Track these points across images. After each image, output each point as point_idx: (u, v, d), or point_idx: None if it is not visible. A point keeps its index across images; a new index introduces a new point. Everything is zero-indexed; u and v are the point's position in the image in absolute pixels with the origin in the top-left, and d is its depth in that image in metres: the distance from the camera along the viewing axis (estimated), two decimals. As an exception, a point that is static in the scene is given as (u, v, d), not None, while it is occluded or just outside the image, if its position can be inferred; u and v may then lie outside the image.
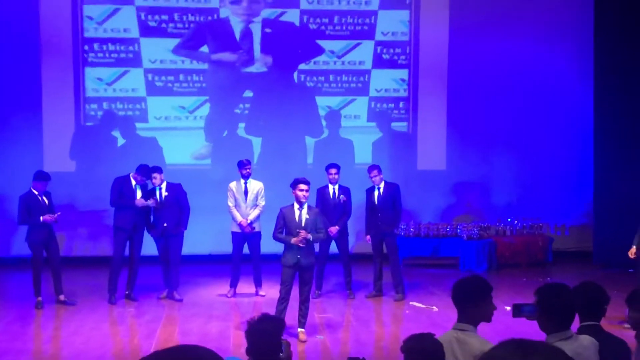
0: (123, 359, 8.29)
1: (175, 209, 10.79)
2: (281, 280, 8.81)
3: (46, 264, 10.40)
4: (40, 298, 10.27)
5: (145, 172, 10.70)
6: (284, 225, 8.79)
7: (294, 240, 8.62)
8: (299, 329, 8.77)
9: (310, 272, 8.85)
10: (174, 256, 10.78)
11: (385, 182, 11.03)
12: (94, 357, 8.18)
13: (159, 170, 10.79)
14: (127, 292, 10.75)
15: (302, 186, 8.78)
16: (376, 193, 10.99)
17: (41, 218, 10.14)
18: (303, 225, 8.71)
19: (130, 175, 10.72)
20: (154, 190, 10.77)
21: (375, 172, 10.97)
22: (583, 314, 4.62)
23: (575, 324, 4.44)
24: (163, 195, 10.74)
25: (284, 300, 8.73)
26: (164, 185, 10.76)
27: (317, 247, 10.99)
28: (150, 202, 10.60)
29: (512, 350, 1.89)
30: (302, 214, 8.76)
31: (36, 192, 10.29)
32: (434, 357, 3.91)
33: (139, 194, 10.67)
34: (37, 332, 9.21)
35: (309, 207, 8.92)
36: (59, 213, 10.39)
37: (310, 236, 8.67)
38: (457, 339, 4.30)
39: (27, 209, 10.23)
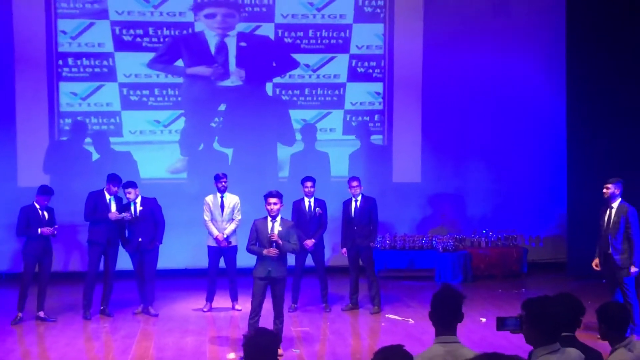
0: (98, 375, 8.24)
1: (150, 224, 10.75)
2: (252, 293, 8.75)
3: (33, 279, 10.33)
4: (20, 314, 10.22)
5: (116, 180, 10.65)
6: (257, 238, 8.77)
7: (265, 251, 8.61)
8: None
9: (282, 285, 8.79)
10: (149, 271, 10.73)
11: (363, 196, 11.05)
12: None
13: (133, 185, 10.75)
14: (102, 308, 10.69)
15: (271, 199, 8.76)
16: (353, 206, 11.01)
17: (39, 230, 10.11)
18: (268, 237, 8.69)
19: (104, 189, 10.66)
20: (128, 204, 10.72)
21: (355, 183, 11.00)
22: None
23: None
24: (138, 210, 10.69)
25: (255, 314, 8.67)
26: (138, 200, 10.72)
27: (292, 260, 11.01)
28: (125, 215, 10.55)
29: None
30: (274, 227, 8.72)
31: (38, 206, 10.27)
32: None
33: (113, 207, 10.63)
34: (13, 348, 9.11)
35: (283, 220, 8.88)
36: (56, 226, 10.35)
37: (279, 241, 8.63)
38: (449, 352, 4.32)
39: (26, 221, 10.22)
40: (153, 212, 10.78)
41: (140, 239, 10.65)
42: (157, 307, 10.91)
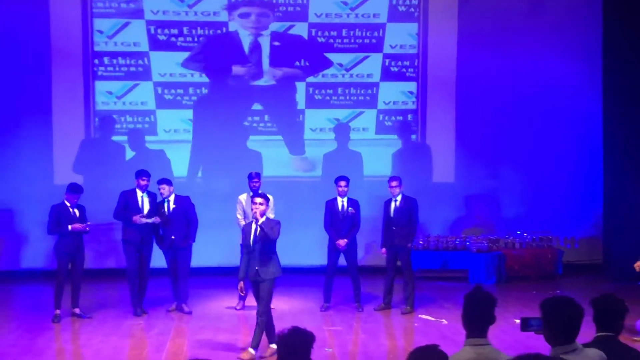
0: (132, 372, 8.30)
1: (184, 222, 10.80)
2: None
3: (67, 276, 10.43)
4: (58, 311, 10.30)
5: (143, 173, 10.71)
6: (245, 242, 8.81)
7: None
8: (248, 348, 8.55)
9: (267, 285, 8.59)
10: (182, 269, 10.79)
11: (403, 196, 11.00)
12: (103, 370, 8.18)
13: (167, 182, 10.81)
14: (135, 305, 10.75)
15: (257, 199, 8.68)
16: (392, 206, 10.98)
17: (70, 227, 10.21)
18: (252, 239, 8.63)
19: (136, 187, 10.72)
20: (162, 202, 10.78)
21: (395, 183, 10.96)
22: (601, 324, 4.63)
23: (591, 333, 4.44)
24: (171, 208, 10.75)
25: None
26: (172, 198, 10.78)
27: (324, 259, 11.01)
28: (154, 219, 10.59)
29: None
30: (256, 228, 8.62)
31: (68, 204, 10.37)
32: None
33: (146, 205, 10.65)
34: (47, 345, 9.20)
35: (268, 219, 8.76)
36: (89, 223, 10.45)
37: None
38: (480, 354, 4.30)
39: (57, 219, 10.31)
40: (186, 211, 10.83)
41: (173, 237, 10.71)
42: (191, 304, 10.96)
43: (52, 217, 10.37)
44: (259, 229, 8.58)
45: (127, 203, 10.65)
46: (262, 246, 8.60)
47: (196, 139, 13.83)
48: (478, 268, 13.08)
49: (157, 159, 13.55)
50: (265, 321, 8.58)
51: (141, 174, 10.74)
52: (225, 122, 13.85)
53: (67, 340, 9.73)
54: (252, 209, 8.69)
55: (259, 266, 8.57)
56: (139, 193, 10.68)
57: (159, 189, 10.77)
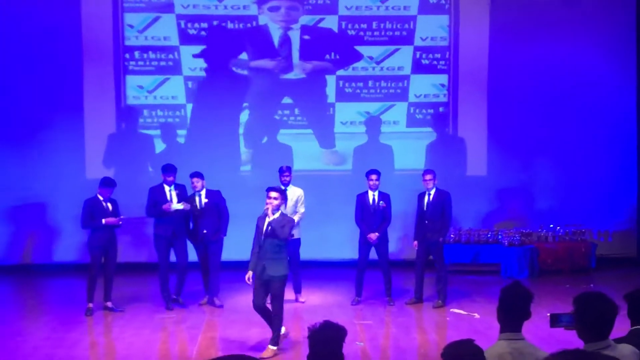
0: (164, 365, 8.33)
1: (215, 216, 10.82)
2: (253, 293, 8.58)
3: (101, 270, 10.50)
4: (91, 305, 10.36)
5: (169, 169, 10.71)
6: (255, 235, 8.59)
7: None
8: (269, 346, 8.47)
9: (278, 284, 8.46)
10: (213, 262, 10.81)
11: (437, 189, 10.93)
12: (135, 363, 8.23)
13: (200, 175, 10.84)
14: (174, 297, 10.78)
15: (273, 194, 8.50)
16: (426, 199, 10.91)
17: (103, 221, 10.28)
18: (264, 234, 8.46)
19: (162, 182, 10.74)
20: (193, 195, 10.80)
21: (429, 177, 10.89)
22: (635, 318, 4.56)
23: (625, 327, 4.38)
24: (203, 202, 10.76)
25: (262, 312, 8.53)
26: (203, 192, 10.79)
27: (355, 253, 10.97)
28: (183, 205, 10.57)
29: (571, 359, 1.88)
30: (267, 223, 8.45)
31: (101, 198, 10.43)
32: None
33: (174, 199, 10.68)
34: (80, 338, 9.26)
35: (283, 214, 8.64)
36: (122, 216, 10.50)
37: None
38: (516, 349, 4.26)
39: (90, 213, 10.37)
40: (217, 205, 10.85)
41: (204, 231, 10.73)
42: (222, 298, 10.98)
43: (85, 211, 10.43)
44: (268, 225, 8.43)
45: (156, 198, 10.67)
46: (271, 243, 8.43)
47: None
48: (510, 262, 12.97)
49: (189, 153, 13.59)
50: (279, 319, 8.50)
51: (167, 169, 10.74)
52: (256, 116, 13.85)
53: (99, 333, 9.80)
54: (265, 203, 8.50)
55: (266, 262, 8.40)
56: (167, 187, 10.68)
57: (192, 183, 10.79)
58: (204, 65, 13.72)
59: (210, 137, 13.74)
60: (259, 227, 8.53)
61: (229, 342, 8.96)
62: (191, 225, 10.88)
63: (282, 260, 8.49)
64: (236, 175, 13.72)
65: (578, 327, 4.20)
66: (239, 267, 12.92)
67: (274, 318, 8.46)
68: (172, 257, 10.80)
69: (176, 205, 10.51)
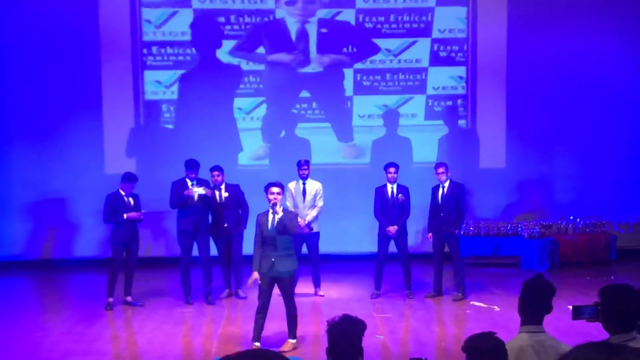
0: (184, 360, 8.36)
1: (235, 209, 10.85)
2: (259, 290, 8.47)
3: (122, 265, 10.55)
4: (111, 299, 10.42)
5: (192, 165, 10.68)
6: (261, 234, 8.41)
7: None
8: (288, 339, 8.47)
9: (289, 281, 8.43)
10: (236, 255, 10.86)
11: (451, 181, 10.91)
12: (155, 358, 8.25)
13: (220, 169, 10.85)
14: (205, 295, 10.71)
15: (274, 189, 8.42)
16: (440, 192, 10.89)
17: (125, 215, 10.32)
18: (270, 229, 8.33)
19: (185, 177, 10.74)
20: (213, 189, 10.80)
21: (441, 169, 10.86)
22: None
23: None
24: (223, 196, 10.77)
25: (260, 311, 8.38)
26: (223, 186, 10.81)
27: (374, 246, 10.96)
28: (204, 190, 10.48)
29: (596, 352, 1.86)
30: (274, 219, 8.36)
31: (123, 193, 10.47)
32: (496, 357, 3.84)
33: (196, 193, 10.68)
34: (101, 333, 9.31)
35: (286, 211, 8.58)
36: (143, 211, 10.55)
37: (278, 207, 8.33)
38: (537, 342, 4.24)
39: (112, 208, 10.42)
40: (238, 198, 10.88)
41: (225, 225, 10.76)
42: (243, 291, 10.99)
43: (107, 206, 10.47)
44: (277, 221, 8.32)
45: (178, 192, 10.68)
46: (282, 239, 8.35)
47: (245, 127, 13.87)
48: (530, 254, 12.91)
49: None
50: (295, 315, 8.47)
51: (190, 165, 10.72)
52: (274, 110, 13.85)
53: (120, 327, 9.84)
54: (270, 199, 8.38)
55: (276, 259, 8.32)
56: (189, 182, 10.69)
57: (212, 176, 10.81)
58: (223, 59, 13.70)
59: (217, 131, 13.76)
60: (262, 225, 8.40)
61: (249, 336, 8.97)
62: (210, 219, 10.90)
63: (292, 256, 8.47)
64: (255, 169, 13.71)
65: (604, 319, 4.17)
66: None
67: (290, 313, 8.45)
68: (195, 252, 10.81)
69: (197, 189, 10.47)
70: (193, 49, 13.70)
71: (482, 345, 3.81)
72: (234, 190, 10.92)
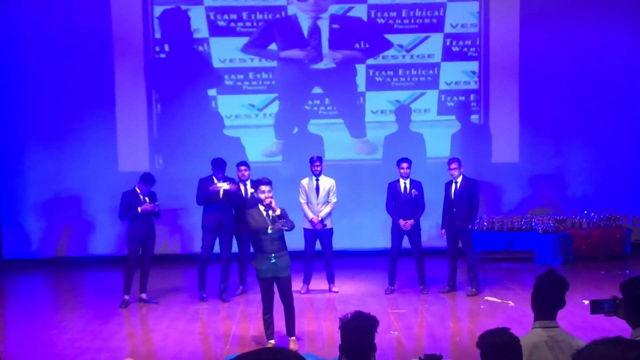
0: (199, 357, 8.39)
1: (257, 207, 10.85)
2: (261, 291, 8.42)
3: (138, 262, 10.58)
4: (127, 297, 10.45)
5: (220, 164, 10.65)
6: (256, 228, 8.34)
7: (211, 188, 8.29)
8: (290, 338, 8.46)
9: (287, 280, 8.39)
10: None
11: (464, 177, 10.89)
12: (171, 355, 8.28)
13: (247, 164, 10.88)
14: (220, 292, 10.72)
15: (264, 187, 8.36)
16: (453, 187, 10.87)
17: (139, 209, 10.32)
18: (269, 224, 8.28)
19: (212, 175, 10.65)
20: (239, 184, 10.78)
21: (454, 165, 10.83)
22: None
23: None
24: (249, 192, 10.73)
25: (267, 312, 8.37)
26: (248, 182, 10.78)
27: (388, 242, 10.96)
28: (228, 185, 10.43)
29: (612, 347, 1.87)
30: (270, 216, 8.31)
31: (139, 191, 10.46)
32: (510, 353, 3.84)
33: (221, 189, 10.58)
34: (117, 330, 9.36)
35: (280, 208, 8.49)
36: (157, 203, 10.51)
37: (275, 208, 8.27)
38: (551, 337, 4.23)
39: (128, 204, 10.43)
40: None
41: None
42: (257, 288, 11.00)
43: (123, 203, 10.49)
44: (272, 217, 8.29)
45: (205, 189, 10.64)
46: (279, 236, 8.35)
47: (258, 124, 13.89)
48: (544, 249, 12.88)
49: (227, 144, 13.61)
50: (294, 313, 8.50)
51: (215, 165, 10.66)
52: (286, 107, 13.86)
53: (135, 324, 9.88)
54: (263, 198, 8.33)
55: (276, 259, 8.29)
56: (215, 180, 10.64)
57: (239, 171, 10.76)
58: (235, 56, 13.73)
59: (244, 128, 13.78)
60: (257, 222, 8.31)
61: (263, 333, 9.00)
62: (234, 214, 10.86)
63: (287, 253, 8.49)
64: (268, 166, 13.73)
65: (627, 313, 4.15)
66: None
67: (289, 311, 8.42)
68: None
69: (222, 184, 10.46)
70: (205, 45, 13.71)
71: (496, 341, 3.81)
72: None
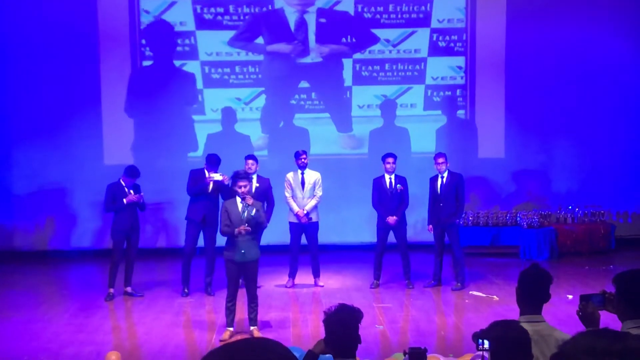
0: (184, 350, 8.38)
1: (262, 202, 10.85)
2: (227, 278, 8.59)
3: (123, 255, 10.53)
4: (112, 290, 10.40)
5: (214, 160, 10.59)
6: (229, 219, 8.48)
7: (236, 230, 8.34)
8: (251, 327, 8.57)
9: (254, 268, 8.55)
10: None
11: (449, 172, 10.90)
12: (155, 348, 8.27)
13: (255, 158, 10.82)
14: (205, 286, 10.69)
15: (241, 182, 8.51)
16: (439, 182, 10.88)
17: (124, 200, 10.27)
18: (245, 219, 8.42)
19: (204, 168, 10.59)
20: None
21: (441, 160, 10.84)
22: None
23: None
24: (254, 186, 10.65)
25: (231, 299, 8.53)
26: (255, 177, 10.75)
27: (374, 237, 10.97)
28: (220, 176, 10.35)
29: (598, 338, 1.87)
30: (246, 210, 8.46)
31: (123, 184, 10.42)
32: (523, 346, 3.82)
33: (211, 184, 10.53)
34: (102, 323, 9.33)
35: (255, 202, 8.63)
36: (142, 194, 10.46)
37: (248, 229, 8.42)
38: (536, 331, 4.25)
39: (112, 197, 10.39)
40: (266, 191, 10.81)
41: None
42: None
43: (108, 195, 10.45)
44: (247, 210, 8.44)
45: (196, 181, 10.61)
46: (252, 228, 8.47)
47: (244, 118, 13.86)
48: (529, 244, 12.93)
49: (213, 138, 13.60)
50: (257, 303, 8.63)
51: (209, 160, 10.62)
52: (272, 101, 13.84)
53: (121, 318, 9.87)
54: (239, 192, 8.47)
55: (245, 248, 8.42)
56: (207, 173, 10.58)
57: (246, 164, 10.68)
58: (221, 49, 13.69)
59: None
60: (230, 212, 8.47)
61: (249, 326, 9.00)
62: None
63: (257, 244, 8.72)
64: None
65: (620, 306, 4.15)
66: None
67: (251, 302, 8.55)
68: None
69: (215, 175, 10.40)
70: (192, 38, 13.67)
71: (509, 333, 3.79)
72: (265, 183, 10.89)
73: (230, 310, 8.55)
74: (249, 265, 8.50)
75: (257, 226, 8.62)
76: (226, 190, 10.49)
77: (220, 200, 10.27)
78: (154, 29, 13.64)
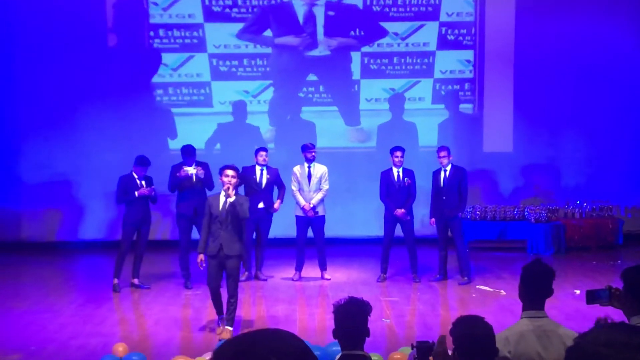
0: (190, 341, 8.38)
1: (271, 192, 10.97)
2: (207, 274, 8.41)
3: (131, 247, 10.54)
4: (117, 280, 10.41)
5: (189, 151, 10.58)
6: (209, 213, 8.33)
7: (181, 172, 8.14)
8: (226, 327, 8.35)
9: (234, 262, 8.31)
10: (264, 237, 11.01)
11: (452, 165, 10.88)
12: (162, 340, 8.29)
13: (266, 150, 10.94)
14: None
15: (229, 172, 8.29)
16: (442, 176, 10.86)
17: (136, 193, 10.28)
18: (221, 212, 8.26)
19: (182, 162, 10.62)
20: (252, 169, 10.86)
21: (444, 153, 10.82)
22: None
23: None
24: (265, 177, 10.76)
25: (215, 297, 8.41)
26: (264, 168, 10.86)
27: (381, 230, 10.96)
28: (195, 169, 10.32)
29: (617, 332, 1.87)
30: (226, 202, 8.27)
31: (135, 175, 10.43)
32: (485, 342, 3.83)
33: (189, 172, 10.46)
34: (108, 315, 9.35)
35: (238, 195, 8.42)
36: (153, 187, 10.47)
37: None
38: (539, 327, 4.24)
39: (124, 189, 10.40)
40: (276, 181, 10.91)
41: (262, 206, 10.82)
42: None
43: (119, 187, 10.46)
44: (228, 204, 8.25)
45: (175, 176, 10.59)
46: (232, 222, 8.28)
47: (252, 110, 13.86)
48: (537, 238, 12.90)
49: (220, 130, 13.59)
50: (236, 301, 8.40)
51: (184, 152, 10.62)
52: (280, 94, 13.83)
53: (127, 309, 9.88)
54: (223, 182, 8.26)
55: (224, 242, 8.23)
56: (185, 167, 10.50)
57: (257, 156, 10.78)
58: (229, 42, 13.68)
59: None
60: (211, 207, 8.33)
61: (256, 320, 9.01)
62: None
63: (239, 240, 8.40)
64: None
65: (626, 301, 4.14)
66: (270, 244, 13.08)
67: (230, 298, 8.34)
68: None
69: (189, 169, 10.38)
70: (200, 30, 13.67)
71: (472, 331, 3.81)
72: (274, 173, 10.98)
73: (217, 304, 8.41)
74: (229, 261, 8.27)
75: (236, 219, 8.30)
76: (209, 182, 10.50)
77: (208, 192, 10.25)
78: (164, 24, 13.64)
